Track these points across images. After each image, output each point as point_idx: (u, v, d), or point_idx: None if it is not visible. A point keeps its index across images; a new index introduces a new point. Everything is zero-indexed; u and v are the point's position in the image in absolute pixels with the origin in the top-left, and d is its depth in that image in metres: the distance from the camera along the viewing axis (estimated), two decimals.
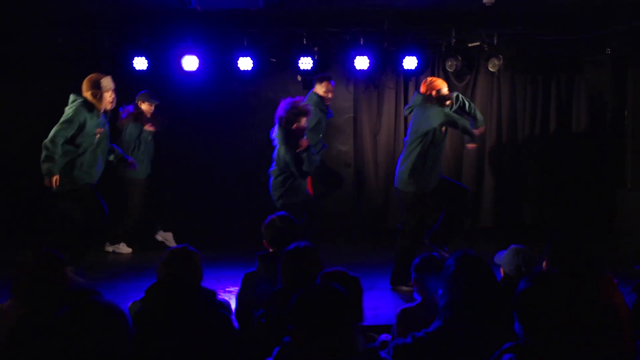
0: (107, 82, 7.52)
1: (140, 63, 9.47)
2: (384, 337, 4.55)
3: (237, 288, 5.50)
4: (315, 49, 9.48)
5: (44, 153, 7.22)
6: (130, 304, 4.87)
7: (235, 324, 4.37)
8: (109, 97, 7.52)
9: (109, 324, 2.59)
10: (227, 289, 7.38)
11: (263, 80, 10.15)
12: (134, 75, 9.58)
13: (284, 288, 4.34)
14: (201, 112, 10.11)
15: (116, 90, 7.63)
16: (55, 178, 7.21)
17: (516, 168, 10.60)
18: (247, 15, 8.32)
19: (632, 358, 3.81)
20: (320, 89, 8.69)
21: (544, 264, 4.49)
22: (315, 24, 9.22)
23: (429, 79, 7.51)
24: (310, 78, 9.50)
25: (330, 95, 8.77)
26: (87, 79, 7.52)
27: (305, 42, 9.45)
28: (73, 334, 2.54)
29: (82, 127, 7.38)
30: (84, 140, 7.43)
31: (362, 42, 9.41)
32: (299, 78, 9.96)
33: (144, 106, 9.32)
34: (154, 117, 9.35)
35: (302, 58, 9.41)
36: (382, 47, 9.68)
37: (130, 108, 9.25)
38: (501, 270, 5.07)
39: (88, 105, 7.42)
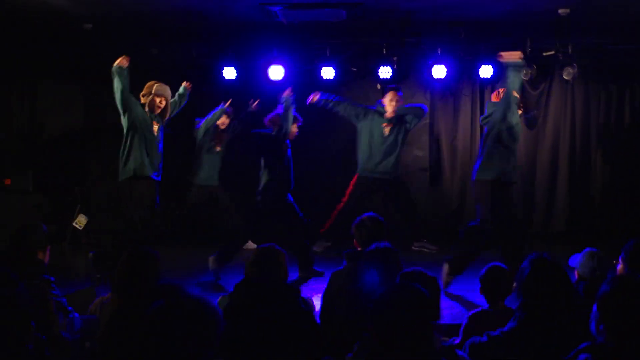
0: (159, 87, 7.66)
1: (229, 73, 9.59)
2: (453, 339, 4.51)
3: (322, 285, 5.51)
4: (395, 58, 9.46)
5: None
6: (219, 298, 4.95)
7: (318, 320, 4.39)
8: (157, 102, 7.63)
9: (200, 317, 2.62)
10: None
11: (344, 88, 10.15)
12: (223, 84, 9.70)
13: (364, 287, 4.33)
14: None
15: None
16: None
17: (589, 175, 10.36)
18: (329, 27, 8.36)
19: None
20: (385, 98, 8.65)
21: (619, 267, 4.39)
22: (394, 35, 9.20)
23: (502, 89, 7.45)
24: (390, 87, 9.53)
25: (393, 103, 8.67)
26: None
27: (384, 52, 9.43)
28: (167, 326, 2.58)
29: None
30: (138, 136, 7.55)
31: (439, 52, 9.34)
32: (379, 86, 9.94)
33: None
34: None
35: (381, 67, 9.39)
36: (459, 56, 9.59)
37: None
38: (575, 272, 5.02)
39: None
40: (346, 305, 4.30)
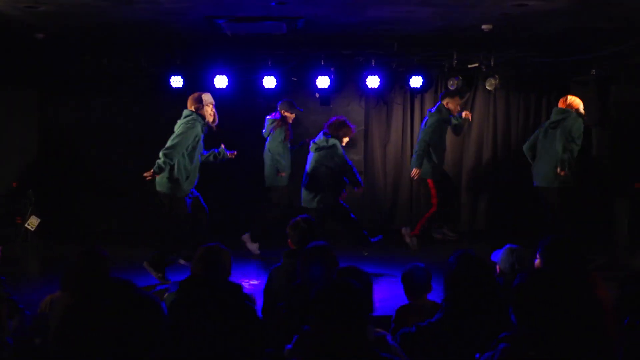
0: (207, 97, 7.62)
1: (176, 81, 9.49)
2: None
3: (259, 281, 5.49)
4: (332, 69, 9.48)
5: (160, 160, 7.28)
6: (165, 295, 4.88)
7: (260, 314, 4.37)
8: (210, 110, 7.56)
9: (146, 314, 2.59)
10: (251, 282, 7.40)
11: (285, 97, 10.11)
12: (170, 93, 9.60)
13: (304, 282, 4.33)
14: (230, 126, 10.11)
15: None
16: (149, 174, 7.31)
17: (510, 177, 10.53)
18: (271, 39, 8.34)
19: (616, 346, 3.77)
20: None
21: (537, 261, 4.47)
22: (332, 47, 9.23)
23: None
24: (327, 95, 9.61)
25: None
26: (190, 96, 7.63)
27: (322, 63, 9.44)
28: (114, 323, 2.54)
29: (197, 140, 7.44)
30: (196, 152, 7.49)
31: (373, 63, 9.40)
32: (317, 95, 9.96)
33: (287, 114, 9.15)
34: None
35: (319, 77, 9.40)
36: (391, 67, 9.67)
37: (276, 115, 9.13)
38: (497, 267, 5.09)
39: (200, 119, 7.46)
40: (286, 300, 4.28)
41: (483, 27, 7.59)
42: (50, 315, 4.02)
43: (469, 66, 9.70)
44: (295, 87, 10.08)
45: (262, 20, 7.25)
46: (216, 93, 9.53)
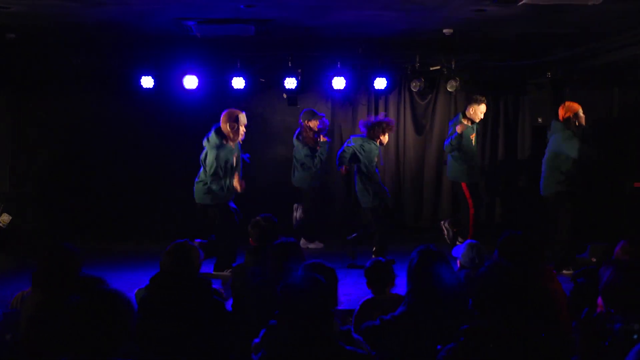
0: (243, 117, 7.50)
1: (147, 82, 9.40)
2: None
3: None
4: (299, 70, 9.45)
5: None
6: (136, 290, 4.83)
7: (229, 309, 4.34)
8: (242, 130, 7.47)
9: (114, 309, 2.56)
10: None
11: (253, 97, 10.11)
12: (141, 92, 9.52)
13: (270, 277, 4.31)
14: (199, 125, 10.04)
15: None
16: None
17: None
18: (240, 41, 8.30)
19: (568, 336, 3.82)
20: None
21: (495, 257, 4.50)
22: (299, 49, 9.21)
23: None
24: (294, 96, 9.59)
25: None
26: (227, 112, 7.50)
27: (290, 65, 9.41)
28: (83, 319, 2.51)
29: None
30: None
31: (339, 65, 9.40)
32: (285, 96, 9.92)
33: (311, 123, 9.12)
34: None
35: (287, 78, 9.36)
36: (357, 69, 9.68)
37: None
38: (458, 262, 5.12)
39: (221, 135, 7.40)
40: (253, 295, 4.26)
41: (444, 31, 7.64)
42: (21, 312, 3.94)
43: (431, 68, 9.77)
44: (263, 88, 10.05)
45: (231, 22, 7.21)
46: (186, 93, 9.54)
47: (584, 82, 9.58)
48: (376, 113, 10.46)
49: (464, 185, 9.07)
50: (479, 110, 8.93)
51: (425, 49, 9.19)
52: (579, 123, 7.78)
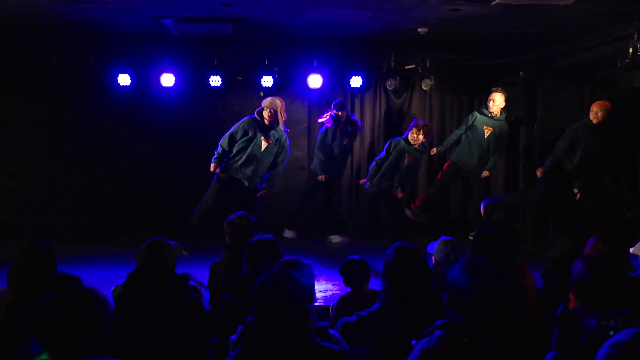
0: (266, 102, 8.17)
1: (124, 79, 9.31)
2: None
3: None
4: (276, 69, 9.42)
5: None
6: (113, 288, 4.78)
7: (206, 306, 4.31)
8: (265, 114, 8.06)
9: (89, 307, 2.53)
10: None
11: (230, 95, 10.07)
12: (118, 90, 9.43)
13: (247, 274, 4.29)
14: (176, 122, 10.01)
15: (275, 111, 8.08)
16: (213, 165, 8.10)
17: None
18: (217, 39, 8.25)
19: (540, 331, 3.85)
20: None
21: (470, 252, 4.52)
22: (275, 48, 9.18)
23: None
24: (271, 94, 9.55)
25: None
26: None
27: (267, 63, 9.38)
28: (57, 316, 2.47)
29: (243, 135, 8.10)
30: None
31: (315, 64, 9.39)
32: (261, 94, 9.87)
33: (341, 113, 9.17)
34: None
35: (264, 77, 9.33)
36: (333, 68, 9.67)
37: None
38: (433, 258, 5.14)
39: (254, 120, 8.16)
40: (230, 291, 4.24)
41: (419, 30, 7.65)
42: None
43: (406, 67, 9.78)
44: (240, 86, 10.00)
45: (208, 21, 7.16)
46: (163, 91, 9.46)
47: (555, 82, 9.67)
48: (352, 111, 10.49)
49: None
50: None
51: (400, 48, 9.21)
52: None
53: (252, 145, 8.08)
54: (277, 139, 8.20)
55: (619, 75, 8.64)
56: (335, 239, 9.28)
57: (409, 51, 9.35)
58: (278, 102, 8.14)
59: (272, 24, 7.50)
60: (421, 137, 8.70)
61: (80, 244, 9.03)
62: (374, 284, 4.74)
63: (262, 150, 8.13)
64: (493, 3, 6.07)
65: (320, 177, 9.18)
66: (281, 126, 8.22)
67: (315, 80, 9.34)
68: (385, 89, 10.27)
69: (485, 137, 9.16)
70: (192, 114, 10.10)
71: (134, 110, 10.00)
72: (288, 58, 9.50)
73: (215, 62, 9.40)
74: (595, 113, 8.31)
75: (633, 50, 6.91)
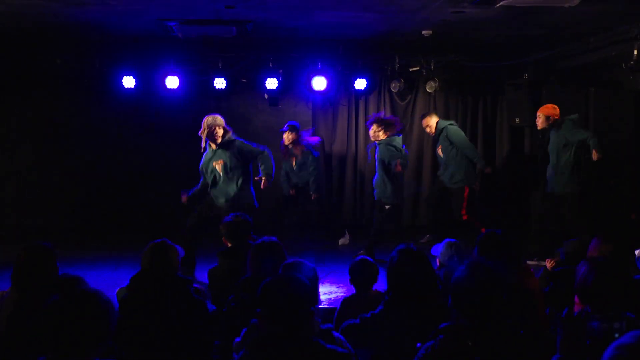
0: (209, 120, 7.48)
1: (128, 82, 9.32)
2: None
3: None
4: (280, 71, 9.42)
5: None
6: (117, 290, 4.78)
7: (210, 308, 4.30)
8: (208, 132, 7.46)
9: (93, 309, 2.52)
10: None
11: (235, 97, 10.07)
12: (122, 92, 9.44)
13: (251, 276, 4.28)
14: (181, 125, 10.01)
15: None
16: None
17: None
18: (221, 42, 8.26)
19: (545, 333, 3.84)
20: None
21: (474, 254, 4.51)
22: (280, 50, 9.19)
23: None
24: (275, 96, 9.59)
25: None
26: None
27: (271, 66, 9.39)
28: (62, 319, 2.47)
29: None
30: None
31: (320, 66, 9.39)
32: (266, 96, 9.90)
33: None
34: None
35: (268, 79, 9.34)
36: (337, 70, 9.67)
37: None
38: (437, 260, 5.13)
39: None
40: (235, 294, 4.23)
41: (424, 32, 7.65)
42: (0, 312, 3.88)
43: (410, 69, 9.78)
44: (245, 88, 10.00)
45: (213, 23, 7.17)
46: (168, 93, 9.46)
47: (560, 83, 9.65)
48: (356, 113, 10.49)
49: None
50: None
51: (404, 50, 9.21)
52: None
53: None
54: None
55: (624, 76, 8.61)
56: (343, 241, 9.28)
57: (414, 53, 9.35)
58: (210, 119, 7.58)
59: (277, 26, 7.50)
60: (380, 133, 8.20)
61: (85, 245, 9.05)
62: (379, 287, 4.72)
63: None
64: (498, 5, 6.06)
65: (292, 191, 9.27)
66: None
67: (319, 83, 9.34)
68: (390, 91, 10.27)
69: (441, 155, 9.05)
70: (197, 116, 10.06)
71: (139, 112, 10.02)
72: (292, 60, 9.50)
73: (220, 65, 9.40)
74: (537, 118, 8.28)
75: (638, 51, 6.91)
